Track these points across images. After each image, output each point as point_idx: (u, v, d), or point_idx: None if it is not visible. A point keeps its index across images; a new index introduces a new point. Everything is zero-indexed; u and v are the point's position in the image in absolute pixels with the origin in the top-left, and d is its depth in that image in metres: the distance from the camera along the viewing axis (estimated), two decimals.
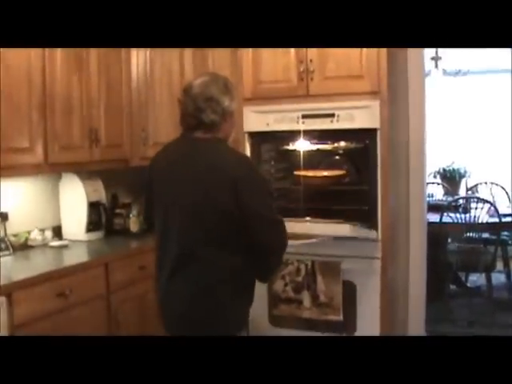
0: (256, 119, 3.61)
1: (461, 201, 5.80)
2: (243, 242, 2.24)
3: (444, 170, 7.38)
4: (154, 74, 4.23)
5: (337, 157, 3.82)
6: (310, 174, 3.59)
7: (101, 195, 4.10)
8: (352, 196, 3.54)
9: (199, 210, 2.24)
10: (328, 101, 3.43)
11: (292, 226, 2.99)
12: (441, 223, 5.44)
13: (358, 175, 3.66)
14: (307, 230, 3.09)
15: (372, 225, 3.35)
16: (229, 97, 2.34)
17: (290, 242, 2.31)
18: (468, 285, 6.15)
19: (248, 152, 3.67)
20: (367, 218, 3.39)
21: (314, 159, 3.80)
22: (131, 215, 4.16)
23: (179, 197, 2.28)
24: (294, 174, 3.69)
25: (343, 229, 3.00)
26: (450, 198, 6.91)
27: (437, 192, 7.21)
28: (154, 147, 4.02)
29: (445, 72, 6.77)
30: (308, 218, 3.22)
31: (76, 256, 3.57)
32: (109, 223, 4.18)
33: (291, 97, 3.54)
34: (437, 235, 5.31)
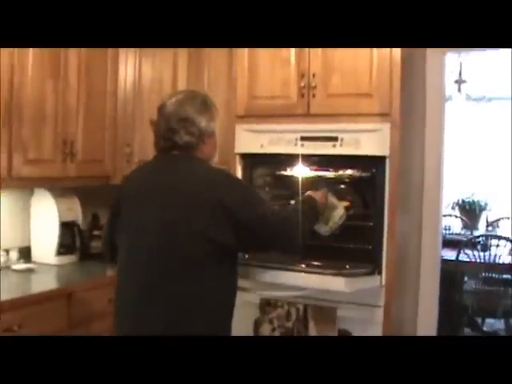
0: (249, 139, 3.18)
1: (480, 237, 5.32)
2: (220, 270, 2.08)
3: (463, 201, 6.96)
4: (143, 84, 3.85)
5: (341, 186, 3.36)
6: None
7: (76, 214, 3.72)
8: (355, 232, 3.09)
9: (175, 236, 2.04)
10: (331, 122, 2.99)
11: (282, 276, 2.60)
12: (457, 261, 4.98)
13: (362, 208, 3.20)
14: (299, 283, 2.66)
15: (375, 266, 2.89)
16: (207, 116, 2.18)
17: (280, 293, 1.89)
18: (484, 329, 5.66)
19: (239, 176, 3.24)
20: (370, 259, 2.93)
21: (314, 187, 3.34)
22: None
23: (151, 222, 2.08)
24: (290, 203, 3.23)
25: (338, 283, 2.55)
26: (468, 233, 6.51)
27: (454, 225, 6.77)
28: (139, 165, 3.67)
29: (468, 97, 6.33)
30: (303, 266, 2.75)
31: (37, 283, 3.18)
32: (85, 246, 3.78)
33: (290, 116, 3.10)
34: (452, 274, 4.86)
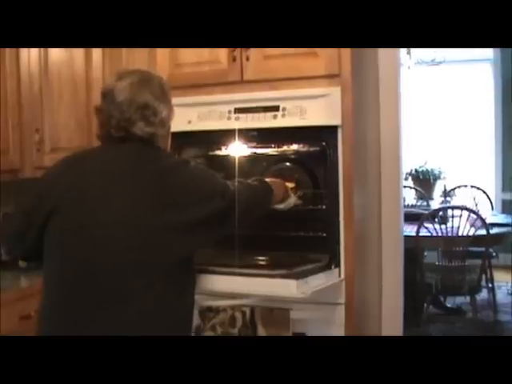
0: (175, 115, 2.66)
1: (441, 211, 4.95)
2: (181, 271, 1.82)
3: (416, 171, 6.62)
4: (50, 59, 3.29)
5: (286, 164, 2.88)
6: None
7: None
8: (306, 218, 2.64)
9: (132, 237, 1.74)
10: (270, 88, 2.51)
11: (219, 282, 2.14)
12: (417, 236, 4.60)
13: (313, 189, 2.74)
14: (241, 289, 2.17)
15: (332, 257, 2.44)
16: (167, 104, 1.94)
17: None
18: (448, 305, 5.33)
19: None
20: (325, 249, 2.48)
21: (255, 168, 2.88)
22: None
23: (104, 224, 1.75)
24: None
25: (288, 288, 2.06)
26: (424, 204, 6.16)
27: (409, 196, 6.42)
28: (52, 154, 3.14)
29: (418, 61, 5.93)
30: (244, 269, 2.25)
31: None
32: None
33: (220, 84, 2.60)
34: (413, 251, 4.47)
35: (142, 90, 1.86)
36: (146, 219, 1.73)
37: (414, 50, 5.57)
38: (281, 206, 2.38)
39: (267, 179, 2.32)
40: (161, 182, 1.79)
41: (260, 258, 2.32)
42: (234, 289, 2.14)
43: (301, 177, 2.78)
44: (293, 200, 2.43)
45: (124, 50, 3.17)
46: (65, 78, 3.27)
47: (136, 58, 3.10)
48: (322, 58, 2.40)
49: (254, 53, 2.51)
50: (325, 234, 2.55)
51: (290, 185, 2.55)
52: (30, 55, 3.23)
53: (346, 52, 2.36)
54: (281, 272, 2.10)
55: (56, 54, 3.26)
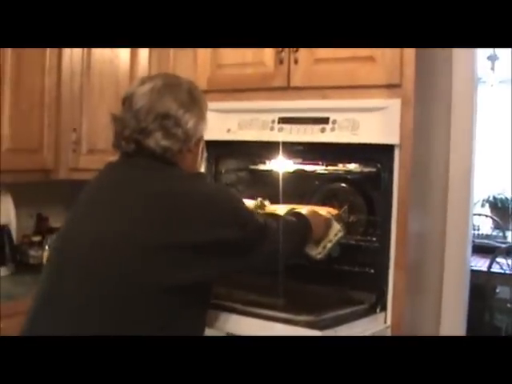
0: (213, 122, 2.35)
1: None
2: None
3: (494, 198, 6.14)
4: (93, 57, 3.07)
5: (341, 185, 2.54)
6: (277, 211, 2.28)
7: (7, 216, 2.96)
8: (353, 248, 2.29)
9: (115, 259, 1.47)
10: (319, 97, 2.18)
11: (227, 321, 1.83)
12: (489, 272, 4.15)
13: (367, 215, 2.39)
14: (251, 333, 1.82)
15: (378, 299, 2.08)
16: (196, 114, 1.63)
17: None
18: None
19: (202, 171, 2.44)
20: (372, 287, 2.12)
21: (305, 186, 2.55)
22: (47, 245, 2.99)
23: (88, 248, 1.51)
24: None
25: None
26: (500, 234, 5.69)
27: (484, 225, 5.95)
28: (88, 155, 2.92)
29: (504, 80, 5.45)
30: (259, 312, 1.87)
31: None
32: (23, 255, 3.04)
33: (264, 89, 2.29)
34: (481, 288, 4.02)
35: (165, 96, 1.59)
36: (136, 241, 1.46)
37: (498, 67, 5.09)
38: (314, 252, 2.10)
39: (305, 211, 2.04)
40: (165, 204, 1.51)
41: (288, 293, 1.98)
42: (245, 332, 1.80)
43: (356, 200, 2.44)
44: (334, 229, 2.12)
45: (171, 49, 2.92)
46: (107, 77, 3.04)
47: (183, 56, 2.85)
48: (381, 65, 2.05)
49: (304, 55, 2.18)
50: (372, 270, 2.19)
51: (333, 211, 2.21)
52: (73, 51, 3.02)
53: (409, 58, 2.00)
54: (306, 318, 1.74)
55: (100, 51, 3.04)
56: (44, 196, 3.26)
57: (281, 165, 2.42)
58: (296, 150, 2.27)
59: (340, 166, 2.43)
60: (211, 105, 2.31)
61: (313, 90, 2.18)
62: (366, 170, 2.32)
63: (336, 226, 2.10)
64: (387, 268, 2.08)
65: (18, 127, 2.83)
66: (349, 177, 2.48)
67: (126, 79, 3.00)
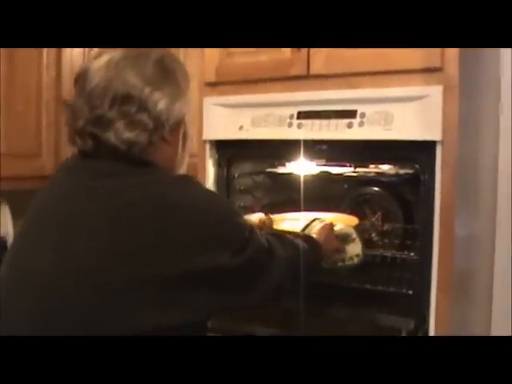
0: (223, 119, 2.06)
1: None
2: None
3: None
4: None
5: (374, 189, 2.20)
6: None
7: (5, 226, 2.74)
8: (386, 265, 1.96)
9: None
10: (345, 86, 1.84)
11: None
12: None
13: (403, 224, 2.06)
14: None
15: (418, 325, 1.74)
16: (169, 90, 1.26)
17: None
18: None
19: (210, 177, 2.13)
20: (410, 311, 1.79)
21: (332, 191, 2.24)
22: None
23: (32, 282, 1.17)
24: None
25: None
26: None
27: None
28: None
29: None
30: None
31: None
32: None
33: (280, 79, 1.95)
34: None
35: (125, 70, 1.21)
36: (98, 277, 1.11)
37: None
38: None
39: (320, 227, 1.79)
40: (134, 225, 1.14)
41: (308, 318, 1.67)
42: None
43: (391, 206, 2.11)
44: (353, 250, 1.80)
45: None
46: None
47: (194, 50, 2.53)
48: None
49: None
50: (411, 291, 1.85)
51: (354, 221, 1.88)
52: None
53: None
54: None
55: None
56: None
57: (302, 167, 2.09)
58: (318, 149, 1.93)
59: (371, 168, 2.10)
60: (221, 99, 2.05)
61: (337, 77, 1.84)
62: (402, 171, 1.99)
63: (354, 249, 1.80)
64: (429, 287, 1.74)
65: (14, 130, 2.56)
66: (382, 179, 2.15)
67: None
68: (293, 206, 2.06)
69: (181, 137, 1.33)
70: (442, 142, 1.69)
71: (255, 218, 1.92)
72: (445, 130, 1.68)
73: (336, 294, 1.91)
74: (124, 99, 1.19)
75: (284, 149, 2.00)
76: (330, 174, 2.12)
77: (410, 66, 1.72)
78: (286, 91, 1.94)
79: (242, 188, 2.24)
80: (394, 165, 2.01)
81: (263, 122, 1.98)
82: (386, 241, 2.09)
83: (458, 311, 1.84)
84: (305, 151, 1.94)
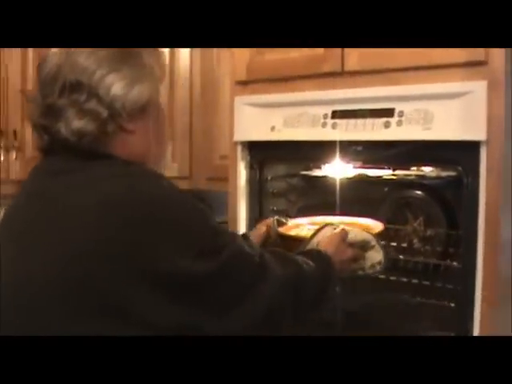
0: (254, 119, 1.97)
1: None
2: None
3: None
4: None
5: (416, 192, 2.07)
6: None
7: None
8: (427, 274, 1.84)
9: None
10: (381, 83, 1.72)
11: None
12: None
13: (446, 229, 1.93)
14: None
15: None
16: (128, 72, 1.13)
17: None
18: None
19: (242, 180, 2.05)
20: (453, 325, 1.66)
21: (370, 194, 2.12)
22: None
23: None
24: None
25: None
26: None
27: None
28: None
29: None
30: None
31: None
32: None
33: (313, 76, 1.85)
34: None
35: (76, 53, 1.11)
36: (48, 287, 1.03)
37: None
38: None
39: (337, 235, 1.55)
40: (84, 228, 1.03)
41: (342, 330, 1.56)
42: None
43: (433, 211, 1.98)
44: (374, 258, 1.60)
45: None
46: None
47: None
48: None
49: None
50: (453, 304, 1.72)
51: (375, 228, 1.74)
52: None
53: None
54: None
55: None
56: None
57: (338, 169, 1.98)
58: (354, 150, 1.82)
59: (412, 170, 1.98)
60: (252, 98, 1.96)
61: (373, 74, 1.72)
62: (445, 173, 1.87)
63: (375, 256, 1.60)
64: (472, 299, 1.61)
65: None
66: (424, 182, 2.02)
67: (166, 77, 2.64)
68: (329, 209, 1.95)
69: (150, 125, 1.21)
70: (486, 143, 1.55)
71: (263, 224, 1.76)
72: (490, 130, 1.54)
73: (372, 304, 1.79)
74: (73, 86, 1.09)
75: (318, 150, 1.89)
76: (367, 176, 2.01)
77: (451, 60, 1.59)
78: (319, 89, 1.84)
79: (275, 191, 2.14)
80: (436, 167, 1.88)
81: (296, 122, 1.89)
82: (428, 247, 1.96)
83: (505, 325, 1.70)
84: (340, 153, 1.84)
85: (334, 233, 1.55)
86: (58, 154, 1.14)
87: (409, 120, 1.66)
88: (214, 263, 1.07)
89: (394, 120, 1.69)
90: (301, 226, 1.79)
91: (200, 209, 1.12)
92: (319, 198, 2.16)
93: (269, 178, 2.11)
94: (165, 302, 1.02)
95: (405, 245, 2.00)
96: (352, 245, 1.55)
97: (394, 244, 2.00)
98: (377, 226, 1.75)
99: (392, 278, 1.90)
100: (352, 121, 1.77)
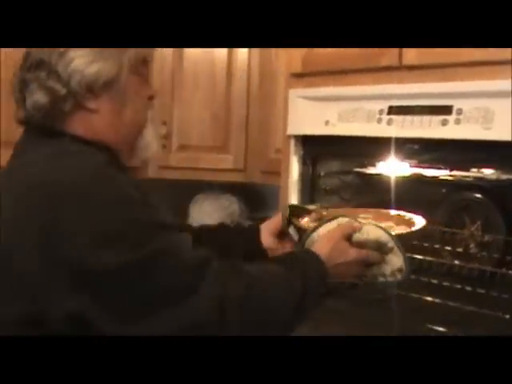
0: (308, 113, 1.91)
1: None
2: None
3: None
4: None
5: (475, 195, 1.97)
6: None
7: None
8: (483, 283, 1.75)
9: None
10: (440, 78, 1.63)
11: None
12: None
13: (505, 236, 1.83)
14: None
15: None
16: (91, 50, 1.12)
17: None
18: None
19: (294, 175, 2.00)
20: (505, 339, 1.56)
21: (427, 195, 2.03)
22: None
23: None
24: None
25: None
26: None
27: None
28: (180, 152, 2.59)
29: None
30: None
31: None
32: None
33: (369, 70, 1.78)
34: None
35: None
36: None
37: None
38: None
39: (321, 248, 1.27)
40: (27, 201, 1.03)
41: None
42: None
43: (492, 215, 1.89)
44: (394, 265, 1.32)
45: None
46: (201, 64, 2.66)
47: None
48: None
49: None
50: (508, 316, 1.63)
51: (418, 224, 1.53)
52: None
53: None
54: None
55: None
56: None
57: (393, 167, 1.91)
58: (409, 148, 1.74)
59: (471, 171, 1.88)
60: (307, 91, 1.91)
61: (432, 69, 1.64)
62: (505, 176, 1.76)
63: (395, 262, 1.31)
64: None
65: None
66: (483, 185, 1.92)
67: (223, 69, 2.63)
68: (383, 209, 1.88)
69: (118, 106, 1.17)
70: None
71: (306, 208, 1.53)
72: None
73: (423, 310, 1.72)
74: (38, 64, 1.12)
75: (373, 147, 1.83)
76: (423, 176, 1.92)
77: None
78: (375, 83, 1.77)
79: (327, 188, 2.08)
80: (496, 169, 1.78)
81: (351, 117, 1.82)
82: (485, 254, 1.86)
83: None
84: (395, 150, 1.77)
85: (334, 228, 1.31)
86: (26, 129, 1.17)
87: (467, 118, 1.57)
88: (128, 257, 0.98)
89: (451, 118, 1.60)
90: (322, 216, 1.48)
91: (128, 198, 1.04)
92: (373, 197, 2.08)
93: (322, 173, 2.05)
94: (66, 287, 0.98)
95: (460, 250, 1.91)
96: (362, 244, 1.29)
97: (449, 248, 1.91)
98: (420, 222, 1.54)
99: (445, 283, 1.82)
100: (408, 117, 1.69)
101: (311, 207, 1.53)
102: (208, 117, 2.65)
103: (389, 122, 1.73)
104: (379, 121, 1.75)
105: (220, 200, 2.90)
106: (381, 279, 1.31)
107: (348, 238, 1.28)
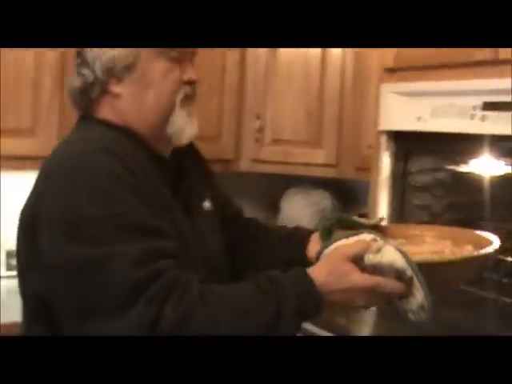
0: (400, 108, 1.89)
1: None
2: None
3: None
4: None
5: None
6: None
7: None
8: None
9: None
10: None
11: None
12: None
13: None
14: None
15: None
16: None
17: None
18: None
19: (385, 171, 1.97)
20: None
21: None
22: None
23: None
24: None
25: None
26: None
27: None
28: (272, 146, 2.61)
29: None
30: None
31: None
32: None
33: (463, 65, 1.73)
34: None
35: None
36: None
37: None
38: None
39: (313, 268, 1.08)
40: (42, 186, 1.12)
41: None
42: None
43: None
44: (416, 301, 1.04)
45: None
46: (296, 59, 2.66)
47: None
48: None
49: None
50: None
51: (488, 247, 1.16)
52: None
53: None
54: None
55: None
56: (223, 189, 3.01)
57: (487, 166, 1.84)
58: (504, 146, 1.68)
59: None
60: (399, 86, 1.88)
61: None
62: None
63: (417, 296, 1.03)
64: None
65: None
66: None
67: (317, 63, 2.61)
68: (476, 209, 1.83)
69: (142, 90, 1.16)
70: None
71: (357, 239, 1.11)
72: None
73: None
74: (77, 52, 1.18)
75: (467, 144, 1.78)
76: None
77: None
78: (470, 78, 1.72)
79: (418, 185, 2.04)
80: None
81: (444, 113, 1.78)
82: None
83: None
84: (489, 148, 1.71)
85: (337, 247, 1.09)
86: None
87: None
88: (80, 251, 0.98)
89: None
90: (358, 232, 1.14)
91: (101, 193, 1.02)
92: (467, 196, 2.02)
93: (413, 170, 2.02)
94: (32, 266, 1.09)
95: None
96: (376, 269, 1.04)
97: None
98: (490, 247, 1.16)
99: None
100: (503, 114, 1.63)
101: (363, 221, 1.29)
102: (301, 111, 2.65)
103: (482, 119, 1.68)
104: (472, 117, 1.70)
105: (312, 195, 2.89)
106: (410, 316, 1.06)
107: (357, 260, 1.05)
